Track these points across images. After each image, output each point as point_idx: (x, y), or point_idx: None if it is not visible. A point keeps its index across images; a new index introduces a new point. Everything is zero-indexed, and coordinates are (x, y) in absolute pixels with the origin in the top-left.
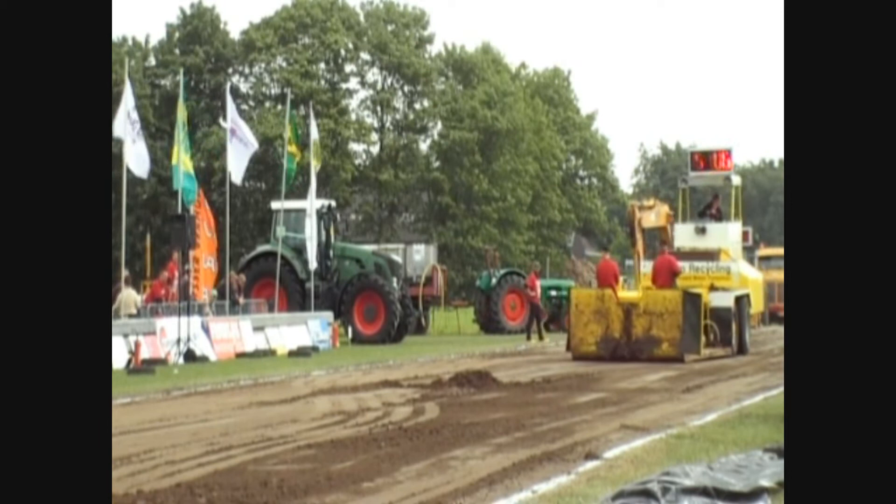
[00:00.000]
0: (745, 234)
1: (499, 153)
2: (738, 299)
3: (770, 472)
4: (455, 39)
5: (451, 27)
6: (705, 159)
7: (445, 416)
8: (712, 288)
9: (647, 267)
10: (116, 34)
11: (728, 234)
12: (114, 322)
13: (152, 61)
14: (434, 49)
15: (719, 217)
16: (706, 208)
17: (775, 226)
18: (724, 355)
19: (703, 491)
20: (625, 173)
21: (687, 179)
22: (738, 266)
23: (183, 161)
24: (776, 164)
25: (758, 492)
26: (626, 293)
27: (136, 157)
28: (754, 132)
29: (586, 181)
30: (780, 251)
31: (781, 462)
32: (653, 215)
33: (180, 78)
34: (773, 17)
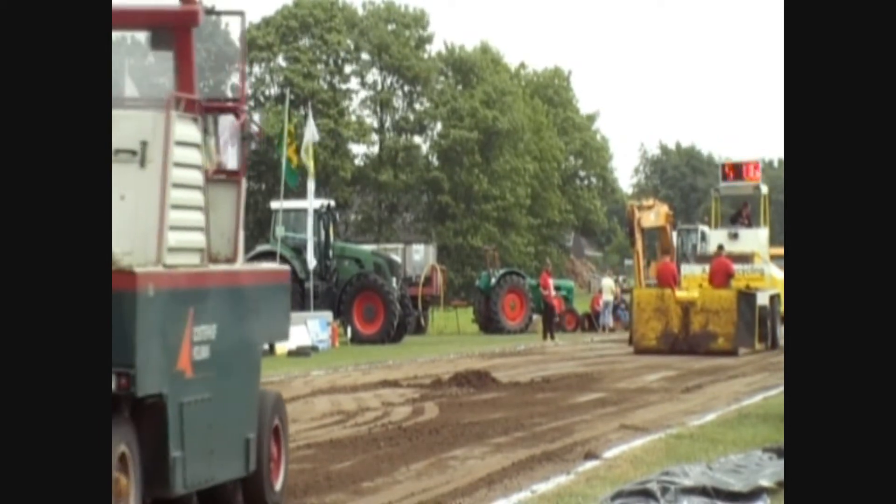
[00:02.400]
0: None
1: (498, 153)
2: (772, 298)
3: (770, 472)
4: (455, 39)
5: (451, 27)
6: (735, 170)
7: (445, 416)
8: (747, 288)
9: (648, 268)
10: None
11: (759, 239)
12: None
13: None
14: (434, 49)
15: (749, 223)
16: (737, 215)
17: (776, 225)
18: (762, 350)
19: (702, 491)
20: (625, 173)
21: (719, 189)
22: (769, 268)
23: None
24: (776, 164)
25: (757, 492)
26: (685, 293)
27: None
28: (754, 132)
29: (586, 181)
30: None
31: (781, 462)
32: (652, 215)
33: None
34: (773, 17)
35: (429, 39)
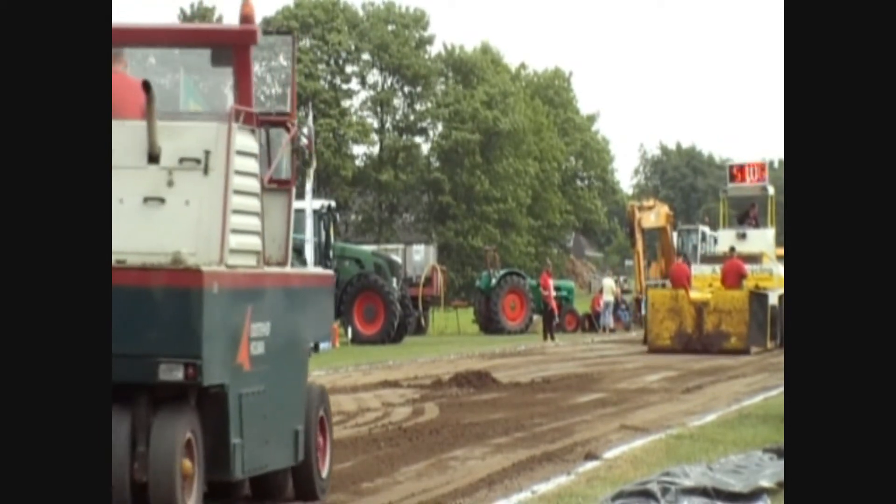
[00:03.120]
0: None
1: (499, 154)
2: (780, 298)
3: (770, 472)
4: (455, 40)
5: (451, 27)
6: (742, 172)
7: (445, 417)
8: (756, 288)
9: (649, 268)
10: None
11: (766, 239)
12: None
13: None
14: (434, 49)
15: (757, 223)
16: (744, 215)
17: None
18: (772, 348)
19: (702, 491)
20: (625, 174)
21: (727, 190)
22: (778, 268)
23: None
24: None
25: (757, 492)
26: (698, 293)
27: None
28: (754, 132)
29: (586, 182)
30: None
31: (781, 462)
32: (652, 215)
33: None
34: (773, 17)
35: (429, 40)
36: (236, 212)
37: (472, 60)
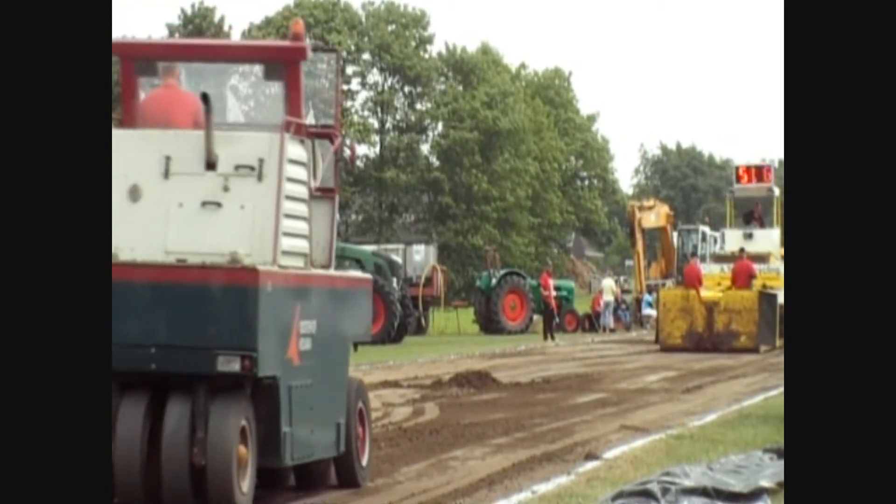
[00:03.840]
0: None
1: (499, 153)
2: None
3: (770, 472)
4: (455, 40)
5: (452, 27)
6: (749, 173)
7: (445, 417)
8: (764, 287)
9: (649, 268)
10: (116, 34)
11: (772, 239)
12: None
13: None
14: (434, 49)
15: (762, 223)
16: (749, 215)
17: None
18: (781, 347)
19: (702, 491)
20: (625, 174)
21: (734, 191)
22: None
23: None
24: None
25: (758, 492)
26: (709, 293)
27: None
28: (754, 132)
29: (587, 182)
30: None
31: (781, 462)
32: (653, 215)
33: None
34: (773, 17)
35: (429, 40)
36: (287, 216)
37: (472, 60)
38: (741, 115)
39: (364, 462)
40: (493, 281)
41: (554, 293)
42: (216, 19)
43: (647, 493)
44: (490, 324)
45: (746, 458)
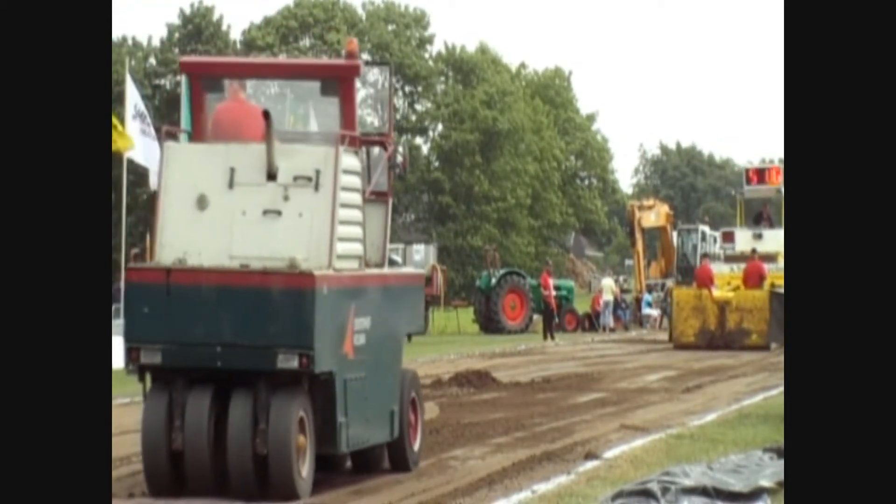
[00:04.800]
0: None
1: (499, 153)
2: None
3: (770, 472)
4: (455, 39)
5: (452, 27)
6: (759, 175)
7: (445, 416)
8: (773, 286)
9: (649, 268)
10: (116, 34)
11: (781, 239)
12: (114, 322)
13: (153, 61)
14: (434, 49)
15: (771, 224)
16: (759, 216)
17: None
18: None
19: (702, 491)
20: (625, 173)
21: (744, 192)
22: None
23: None
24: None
25: (757, 492)
26: (721, 292)
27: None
28: (754, 132)
29: (586, 181)
30: None
31: (781, 462)
32: (652, 215)
33: (182, 78)
34: (773, 17)
35: (429, 40)
36: (342, 222)
37: (472, 60)
38: (741, 115)
39: (416, 447)
40: (493, 281)
41: (554, 293)
42: (215, 19)
43: (647, 493)
44: (490, 323)
45: (746, 457)
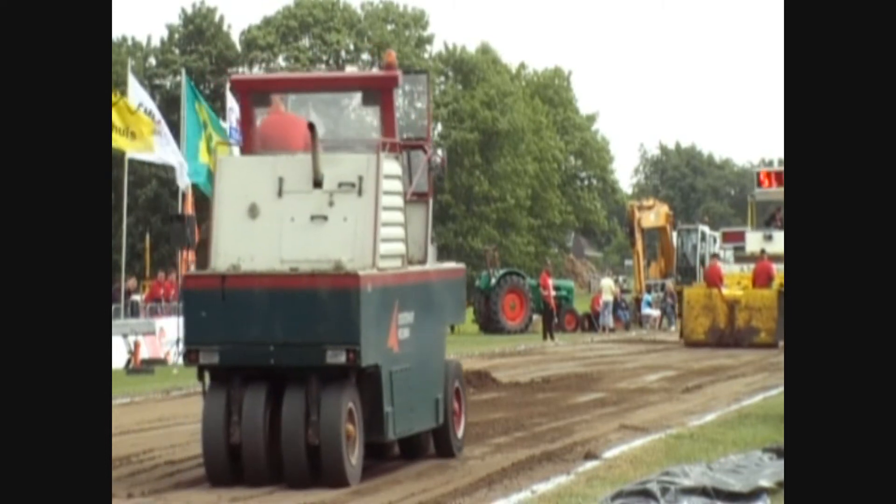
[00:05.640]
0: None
1: (499, 154)
2: None
3: (770, 472)
4: (455, 39)
5: (451, 27)
6: (770, 178)
7: None
8: (781, 286)
9: (649, 268)
10: (116, 34)
11: None
12: (113, 322)
13: (153, 61)
14: (434, 49)
15: (782, 225)
16: (771, 218)
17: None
18: None
19: (702, 491)
20: (625, 174)
21: (755, 195)
22: None
23: (210, 160)
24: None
25: (757, 492)
26: (731, 292)
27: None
28: (754, 132)
29: (586, 181)
30: None
31: (781, 462)
32: (652, 215)
33: (182, 78)
34: (773, 18)
35: (429, 40)
36: (384, 224)
37: (472, 60)
38: (741, 115)
39: (459, 434)
40: (493, 281)
41: (553, 293)
42: (216, 19)
43: (647, 493)
44: (489, 323)
45: (746, 457)
